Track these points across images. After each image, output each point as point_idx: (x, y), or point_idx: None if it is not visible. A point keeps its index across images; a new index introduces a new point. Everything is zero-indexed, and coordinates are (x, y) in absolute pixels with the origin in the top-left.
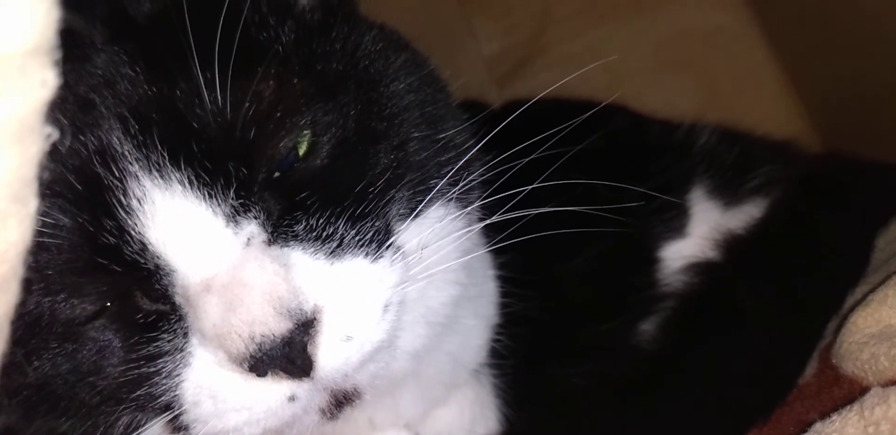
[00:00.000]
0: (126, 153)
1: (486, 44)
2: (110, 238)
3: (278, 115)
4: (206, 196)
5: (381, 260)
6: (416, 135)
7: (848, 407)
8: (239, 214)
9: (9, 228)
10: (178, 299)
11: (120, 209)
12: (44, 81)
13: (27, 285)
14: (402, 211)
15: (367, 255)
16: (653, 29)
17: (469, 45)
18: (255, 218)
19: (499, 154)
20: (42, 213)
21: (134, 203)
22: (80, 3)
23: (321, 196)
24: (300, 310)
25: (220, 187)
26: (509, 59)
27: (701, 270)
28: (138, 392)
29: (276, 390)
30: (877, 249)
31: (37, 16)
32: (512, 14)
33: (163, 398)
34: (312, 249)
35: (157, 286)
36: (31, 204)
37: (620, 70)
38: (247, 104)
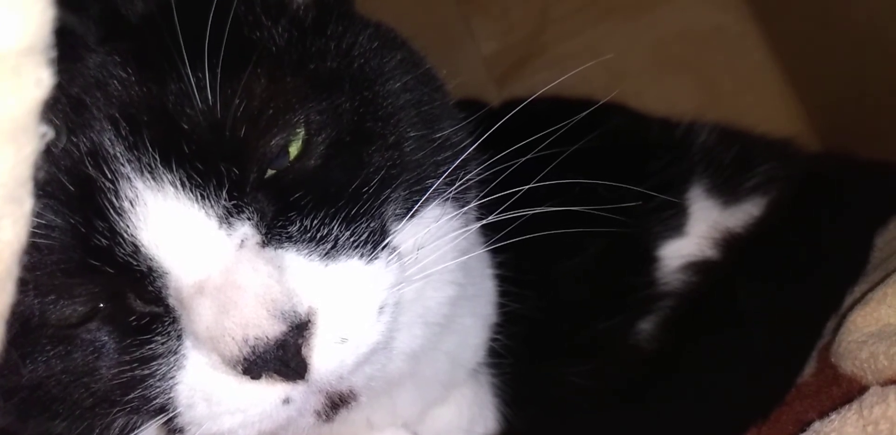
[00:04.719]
0: (118, 155)
1: (485, 43)
2: (102, 240)
3: (270, 112)
4: (199, 197)
5: (376, 261)
6: (411, 134)
7: (847, 406)
8: (232, 216)
9: (4, 227)
10: (171, 301)
11: (112, 211)
12: (38, 81)
13: (21, 286)
14: (398, 211)
15: (362, 256)
16: (652, 28)
17: (468, 45)
18: (249, 219)
19: (497, 153)
20: (34, 214)
21: (126, 205)
22: (73, 2)
23: (315, 196)
24: (294, 312)
25: (212, 188)
26: (508, 58)
27: (699, 268)
28: (132, 394)
29: (270, 393)
30: (876, 248)
31: (32, 14)
32: (510, 13)
33: (157, 401)
34: (307, 251)
35: (151, 288)
36: (27, 204)
37: (619, 69)
38: (237, 101)
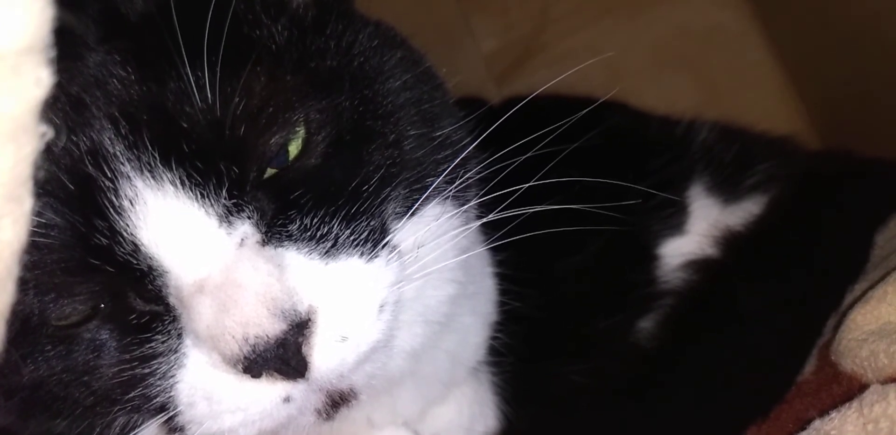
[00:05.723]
0: (118, 154)
1: (485, 41)
2: (102, 239)
3: (270, 110)
4: (199, 196)
5: (376, 259)
6: (411, 133)
7: (847, 404)
8: (232, 214)
9: (3, 227)
10: (171, 300)
11: (112, 210)
12: (38, 80)
13: (21, 285)
14: (398, 209)
15: (362, 254)
16: (652, 26)
17: (467, 43)
18: (249, 218)
19: (497, 151)
20: (34, 213)
21: (126, 204)
22: (73, 1)
23: (315, 195)
24: (294, 311)
25: (212, 187)
26: (508, 56)
27: (700, 267)
28: (133, 393)
29: (270, 391)
30: (876, 246)
31: (31, 14)
32: (510, 12)
33: (157, 399)
34: (307, 249)
35: (151, 287)
36: (27, 203)
37: (619, 67)
38: (236, 100)
